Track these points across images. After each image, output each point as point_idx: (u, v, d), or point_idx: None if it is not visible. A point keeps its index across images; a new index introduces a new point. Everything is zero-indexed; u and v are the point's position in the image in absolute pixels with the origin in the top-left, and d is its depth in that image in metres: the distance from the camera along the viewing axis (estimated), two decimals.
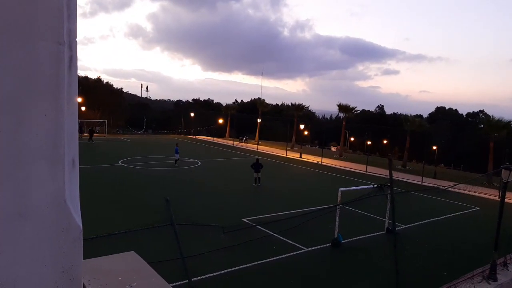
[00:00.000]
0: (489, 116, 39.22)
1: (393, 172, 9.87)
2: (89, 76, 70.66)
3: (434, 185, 23.35)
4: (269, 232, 12.30)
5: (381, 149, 62.09)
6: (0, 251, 0.95)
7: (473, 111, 79.85)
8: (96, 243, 5.82)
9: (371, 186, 12.52)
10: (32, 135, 0.96)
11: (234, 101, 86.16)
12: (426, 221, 16.74)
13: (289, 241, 12.59)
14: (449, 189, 17.96)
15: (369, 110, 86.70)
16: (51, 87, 0.98)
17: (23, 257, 0.99)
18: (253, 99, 77.16)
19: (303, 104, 51.84)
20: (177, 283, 8.44)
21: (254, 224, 13.86)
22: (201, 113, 63.37)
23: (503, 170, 11.37)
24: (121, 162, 27.09)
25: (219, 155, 36.09)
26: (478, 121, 65.27)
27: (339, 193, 13.12)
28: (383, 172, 20.66)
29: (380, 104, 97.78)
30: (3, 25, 0.89)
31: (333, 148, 55.72)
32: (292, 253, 11.90)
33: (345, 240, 13.12)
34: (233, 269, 10.41)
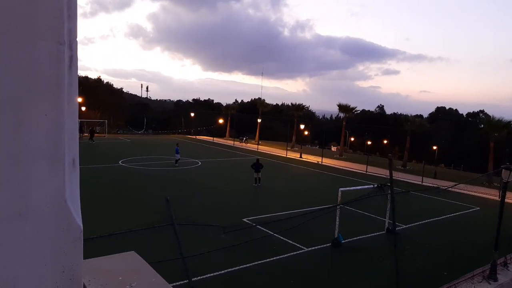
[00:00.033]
0: (489, 116, 39.22)
1: (393, 172, 9.87)
2: (89, 76, 70.82)
3: (434, 185, 23.34)
4: (269, 232, 12.30)
5: (381, 149, 62.11)
6: (0, 251, 0.95)
7: (473, 111, 79.92)
8: (96, 243, 5.82)
9: (371, 186, 12.52)
10: (32, 135, 0.96)
11: (234, 101, 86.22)
12: (426, 221, 16.74)
13: (289, 241, 12.59)
14: (449, 189, 17.95)
15: (369, 110, 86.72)
16: (51, 87, 0.98)
17: (23, 257, 0.99)
18: (253, 99, 77.19)
19: (303, 104, 51.90)
20: (177, 283, 8.43)
21: (254, 224, 13.86)
22: (201, 113, 63.41)
23: (503, 170, 11.37)
24: (121, 162, 27.10)
25: (219, 155, 36.09)
26: (478, 121, 65.26)
27: (339, 193, 13.12)
28: (383, 172, 20.65)
29: (380, 104, 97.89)
30: (3, 25, 0.89)
31: (333, 148, 55.74)
32: (292, 253, 11.90)
33: (345, 240, 13.11)
34: (233, 269, 10.41)
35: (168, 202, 7.16)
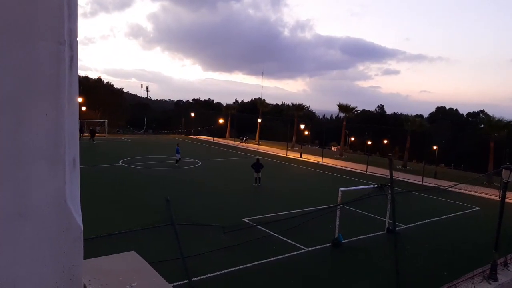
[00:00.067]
0: (490, 116, 39.14)
1: (393, 172, 9.87)
2: (89, 76, 70.89)
3: (435, 185, 23.32)
4: (269, 232, 12.30)
5: (382, 149, 62.12)
6: (0, 251, 0.95)
7: (473, 111, 79.90)
8: (97, 243, 5.81)
9: (372, 186, 12.50)
10: (32, 135, 0.96)
11: (234, 101, 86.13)
12: (426, 221, 16.73)
13: (289, 241, 12.59)
14: (450, 189, 17.94)
15: (369, 110, 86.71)
16: (51, 87, 0.98)
17: (23, 257, 0.98)
18: (253, 99, 77.22)
19: (304, 104, 51.93)
20: (177, 283, 8.43)
21: (254, 224, 13.86)
22: (201, 113, 63.42)
23: (503, 170, 11.37)
24: (121, 162, 27.10)
25: (220, 155, 36.10)
26: (479, 121, 65.24)
27: (340, 193, 13.12)
28: (384, 172, 20.65)
29: (381, 104, 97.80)
30: (3, 25, 0.89)
31: (334, 148, 55.76)
32: (292, 253, 11.90)
33: (346, 240, 13.11)
34: (233, 269, 10.41)
35: (168, 202, 7.16)
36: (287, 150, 40.92)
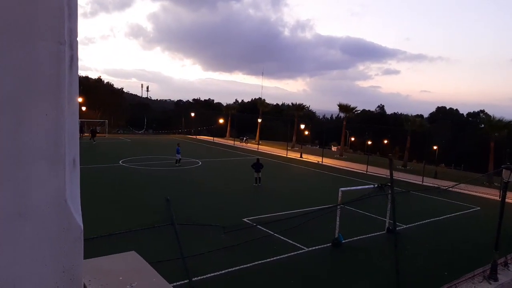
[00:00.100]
0: (490, 116, 39.15)
1: (393, 172, 9.86)
2: (89, 76, 70.92)
3: (435, 185, 23.32)
4: (269, 232, 12.29)
5: (382, 149, 62.11)
6: (0, 251, 0.94)
7: (473, 111, 79.91)
8: (97, 243, 5.81)
9: (372, 186, 12.50)
10: (33, 135, 0.96)
11: (234, 101, 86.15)
12: (426, 221, 16.73)
13: (289, 241, 12.59)
14: (450, 189, 17.94)
15: (369, 110, 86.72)
16: (51, 87, 0.98)
17: (23, 257, 0.98)
18: (253, 99, 77.21)
19: (304, 104, 51.96)
20: (177, 283, 8.43)
21: (254, 224, 13.86)
22: (201, 113, 63.43)
23: (503, 170, 11.36)
24: (121, 162, 27.11)
25: (220, 155, 36.10)
26: (479, 121, 65.18)
27: (340, 193, 13.12)
28: (384, 172, 20.66)
29: (381, 104, 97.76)
30: (3, 25, 0.89)
31: (334, 148, 55.76)
32: (292, 253, 11.90)
33: (346, 240, 13.11)
34: (233, 269, 10.41)
35: (169, 202, 7.15)
36: (287, 150, 40.93)
